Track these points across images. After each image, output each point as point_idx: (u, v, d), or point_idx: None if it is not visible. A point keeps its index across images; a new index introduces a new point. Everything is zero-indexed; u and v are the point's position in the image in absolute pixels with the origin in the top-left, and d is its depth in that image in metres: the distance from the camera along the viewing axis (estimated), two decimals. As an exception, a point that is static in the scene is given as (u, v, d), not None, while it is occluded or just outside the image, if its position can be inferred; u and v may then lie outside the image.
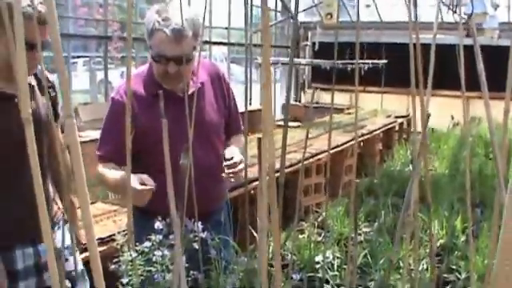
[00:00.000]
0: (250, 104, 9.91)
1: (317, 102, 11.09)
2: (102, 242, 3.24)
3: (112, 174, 2.67)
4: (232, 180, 2.75)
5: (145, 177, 2.43)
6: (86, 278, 2.62)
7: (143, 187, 2.40)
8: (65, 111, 0.73)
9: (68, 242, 2.41)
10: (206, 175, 2.56)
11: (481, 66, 1.72)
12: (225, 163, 2.69)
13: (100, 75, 9.11)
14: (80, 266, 2.60)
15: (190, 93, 2.61)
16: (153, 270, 1.83)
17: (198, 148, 2.52)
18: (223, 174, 2.70)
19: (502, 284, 0.94)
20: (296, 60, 10.60)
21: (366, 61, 10.15)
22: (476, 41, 1.72)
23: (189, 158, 1.67)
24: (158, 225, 1.92)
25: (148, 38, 2.63)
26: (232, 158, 2.69)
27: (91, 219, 0.78)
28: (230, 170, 2.67)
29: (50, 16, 0.73)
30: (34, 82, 2.40)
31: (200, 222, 2.03)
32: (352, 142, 6.40)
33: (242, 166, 2.70)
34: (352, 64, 8.74)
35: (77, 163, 0.74)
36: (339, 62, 9.10)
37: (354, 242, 1.81)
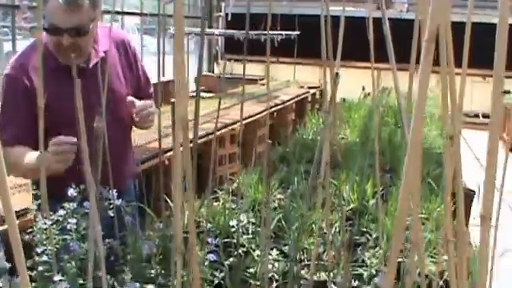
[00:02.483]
0: (163, 75, 9.78)
1: (230, 73, 11.08)
2: (16, 214, 3.15)
3: (28, 156, 2.36)
4: (139, 120, 2.63)
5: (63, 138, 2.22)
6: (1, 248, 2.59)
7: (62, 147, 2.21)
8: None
9: None
10: (113, 149, 2.36)
11: (389, 39, 1.79)
12: (134, 108, 2.59)
13: (7, 46, 8.72)
14: None
15: (92, 64, 2.51)
16: (68, 238, 1.82)
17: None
18: (134, 117, 2.60)
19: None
20: (209, 30, 10.52)
21: (279, 32, 10.19)
22: (385, 14, 1.79)
23: (102, 125, 1.66)
24: (71, 192, 1.90)
25: (43, 5, 2.33)
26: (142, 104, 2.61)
27: (8, 189, 0.77)
28: (139, 111, 2.59)
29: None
30: None
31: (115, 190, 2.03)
32: (265, 113, 6.46)
33: (152, 109, 2.62)
34: (265, 35, 8.74)
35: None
36: (252, 32, 9.13)
37: (267, 206, 1.86)
